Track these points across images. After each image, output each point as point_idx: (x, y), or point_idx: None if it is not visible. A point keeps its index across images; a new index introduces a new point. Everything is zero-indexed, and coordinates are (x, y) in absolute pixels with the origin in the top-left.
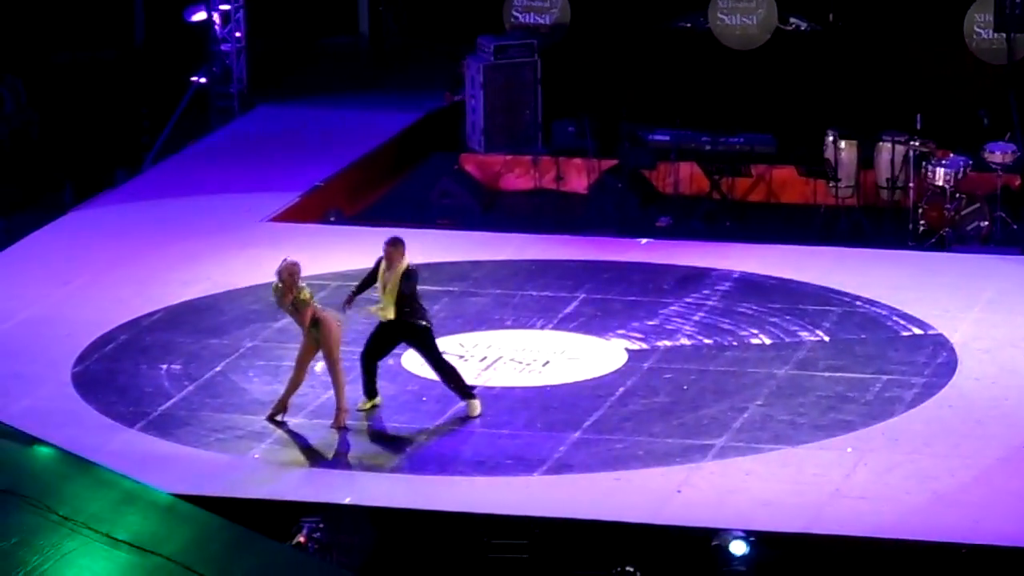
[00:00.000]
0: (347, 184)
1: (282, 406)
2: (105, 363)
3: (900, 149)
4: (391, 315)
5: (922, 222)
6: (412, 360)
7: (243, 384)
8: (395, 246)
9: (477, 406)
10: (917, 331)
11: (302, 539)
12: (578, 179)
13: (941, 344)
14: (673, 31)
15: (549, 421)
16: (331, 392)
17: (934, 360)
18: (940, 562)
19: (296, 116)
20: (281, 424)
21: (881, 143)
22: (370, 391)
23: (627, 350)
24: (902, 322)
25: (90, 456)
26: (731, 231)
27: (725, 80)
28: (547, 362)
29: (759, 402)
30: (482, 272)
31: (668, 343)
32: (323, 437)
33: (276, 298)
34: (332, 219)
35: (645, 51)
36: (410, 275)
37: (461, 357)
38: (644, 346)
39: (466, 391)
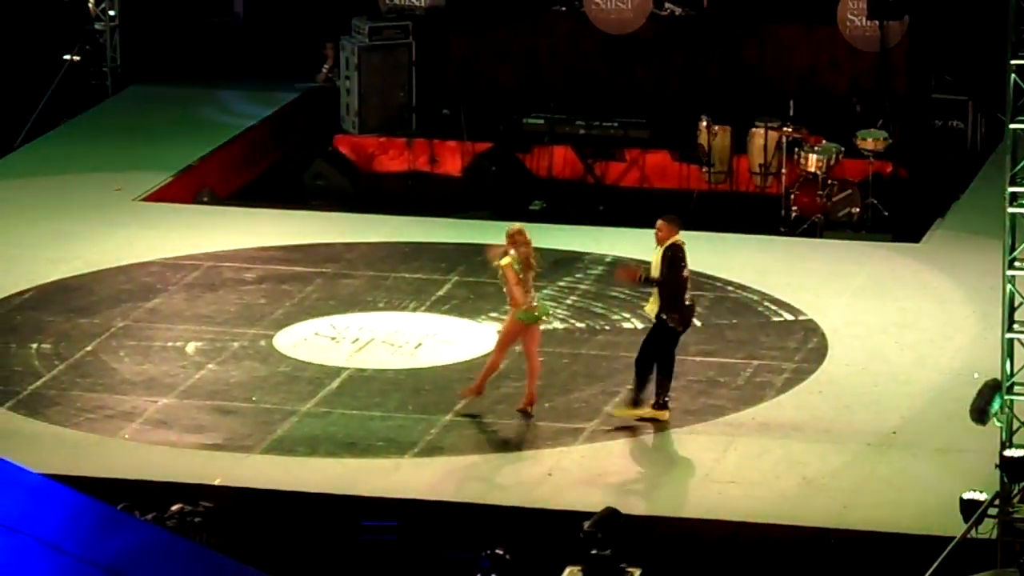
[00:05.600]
0: (220, 164)
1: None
2: None
3: (773, 135)
4: (653, 308)
5: (794, 208)
6: (283, 340)
7: (113, 364)
8: (664, 221)
9: (664, 415)
10: (788, 317)
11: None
12: (452, 162)
13: (812, 330)
14: (548, 14)
15: (421, 403)
16: (203, 372)
17: (805, 345)
18: (810, 546)
19: (170, 96)
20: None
21: (754, 129)
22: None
23: (499, 333)
24: (773, 307)
25: None
26: (604, 215)
27: (600, 64)
28: (419, 344)
29: (630, 386)
30: (355, 254)
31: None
32: (193, 418)
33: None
34: (204, 199)
35: (520, 34)
36: (667, 256)
37: (333, 339)
38: None
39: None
